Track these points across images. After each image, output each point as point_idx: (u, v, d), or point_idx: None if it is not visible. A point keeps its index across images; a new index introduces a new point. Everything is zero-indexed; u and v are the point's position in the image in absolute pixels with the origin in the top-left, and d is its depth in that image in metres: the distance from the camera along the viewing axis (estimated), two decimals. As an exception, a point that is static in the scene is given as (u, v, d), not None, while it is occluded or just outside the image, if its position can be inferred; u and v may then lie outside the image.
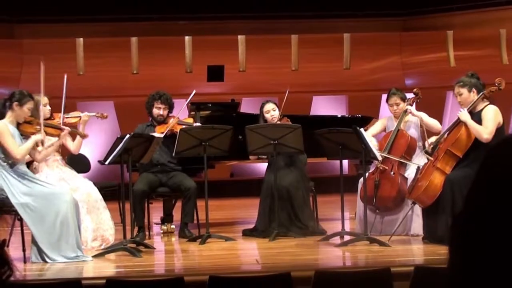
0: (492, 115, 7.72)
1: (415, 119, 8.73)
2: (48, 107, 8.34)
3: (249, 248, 8.54)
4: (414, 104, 8.99)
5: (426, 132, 8.54)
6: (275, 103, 9.15)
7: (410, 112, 8.62)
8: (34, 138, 7.65)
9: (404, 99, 8.81)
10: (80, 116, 8.43)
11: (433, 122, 8.66)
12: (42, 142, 7.83)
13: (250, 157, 9.33)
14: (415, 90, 9.06)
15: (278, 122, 8.92)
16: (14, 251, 7.63)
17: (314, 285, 5.73)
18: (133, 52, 15.26)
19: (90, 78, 14.87)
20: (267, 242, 8.41)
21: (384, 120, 9.17)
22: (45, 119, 8.01)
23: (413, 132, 8.76)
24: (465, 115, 7.74)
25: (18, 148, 7.45)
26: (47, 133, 7.92)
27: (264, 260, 7.59)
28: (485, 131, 7.60)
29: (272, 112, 9.03)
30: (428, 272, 5.65)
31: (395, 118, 8.87)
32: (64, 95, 8.25)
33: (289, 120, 9.04)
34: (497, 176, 1.42)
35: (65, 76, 8.36)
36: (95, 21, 16.16)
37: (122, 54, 15.16)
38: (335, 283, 5.82)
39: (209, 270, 6.58)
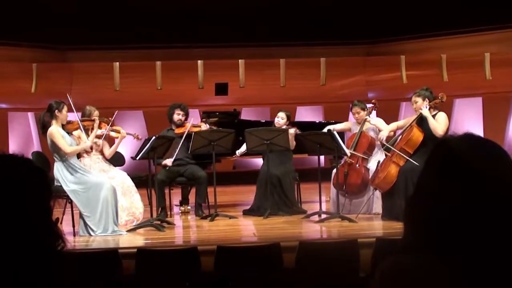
0: (444, 119, 7.85)
1: (374, 127, 8.75)
2: (97, 120, 8.34)
3: (248, 224, 8.53)
4: (373, 111, 9.01)
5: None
6: (287, 115, 9.12)
7: (368, 121, 8.67)
8: (83, 147, 7.89)
9: (363, 108, 8.83)
10: (120, 133, 8.50)
11: (384, 128, 8.65)
12: (92, 148, 8.13)
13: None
14: (373, 100, 9.16)
15: (284, 127, 8.94)
16: (65, 227, 7.63)
17: (298, 252, 5.73)
18: (158, 73, 15.24)
19: (124, 93, 14.85)
20: (261, 219, 8.41)
21: (350, 123, 9.20)
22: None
23: (372, 134, 8.78)
24: (427, 112, 7.81)
25: (69, 147, 7.49)
26: (85, 126, 8.12)
27: (259, 233, 7.59)
28: (440, 128, 7.69)
29: (278, 119, 9.06)
30: (386, 242, 5.65)
31: (358, 124, 8.89)
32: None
33: (297, 129, 8.99)
34: (440, 166, 1.43)
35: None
36: (128, 49, 16.14)
37: (149, 75, 15.14)
38: (314, 251, 5.81)
39: (217, 241, 6.56)
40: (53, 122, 7.53)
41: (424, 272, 1.37)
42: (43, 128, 7.68)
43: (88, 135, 8.12)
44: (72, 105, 8.00)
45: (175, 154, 8.84)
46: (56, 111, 7.50)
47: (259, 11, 16.92)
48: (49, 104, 7.66)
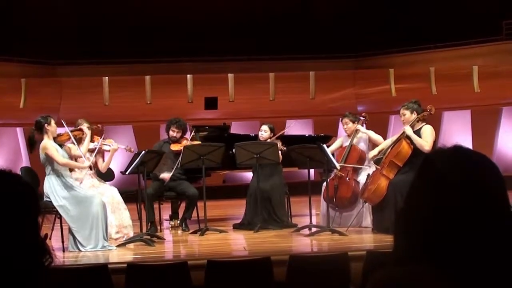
0: (429, 132, 7.80)
1: (365, 136, 8.77)
2: (87, 129, 8.30)
3: (238, 238, 8.50)
4: (364, 124, 9.03)
5: (373, 146, 8.61)
6: (270, 127, 9.12)
7: (359, 130, 8.70)
8: (80, 166, 7.91)
9: (353, 120, 8.84)
10: (112, 145, 8.45)
11: (377, 137, 8.69)
12: (91, 167, 8.10)
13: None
14: (363, 114, 9.20)
15: (268, 141, 8.95)
16: (55, 242, 7.58)
17: (289, 266, 5.71)
18: (147, 87, 15.25)
19: (114, 107, 14.86)
20: (252, 233, 8.39)
21: (341, 139, 9.18)
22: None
23: (363, 146, 8.79)
24: (410, 130, 7.80)
25: (62, 158, 7.51)
26: (76, 136, 8.07)
27: (250, 247, 7.56)
28: (427, 144, 7.66)
29: (262, 132, 9.08)
30: (377, 255, 5.64)
31: (348, 137, 8.91)
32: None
33: (282, 145, 8.96)
34: (428, 179, 1.43)
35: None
36: (117, 63, 16.16)
37: (138, 89, 15.16)
38: (305, 265, 5.79)
39: (207, 256, 6.53)
40: (45, 137, 7.51)
41: (415, 284, 1.37)
42: (32, 145, 7.65)
43: (79, 145, 8.09)
44: (63, 122, 8.00)
45: (173, 170, 8.82)
46: (46, 125, 7.48)
47: (248, 26, 16.99)
48: (36, 121, 7.56)
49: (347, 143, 8.86)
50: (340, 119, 9.08)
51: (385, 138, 8.86)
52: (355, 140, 8.79)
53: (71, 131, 8.08)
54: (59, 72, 16.24)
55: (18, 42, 15.74)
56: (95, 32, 16.85)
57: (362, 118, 8.99)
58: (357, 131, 8.77)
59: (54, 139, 7.63)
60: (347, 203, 8.61)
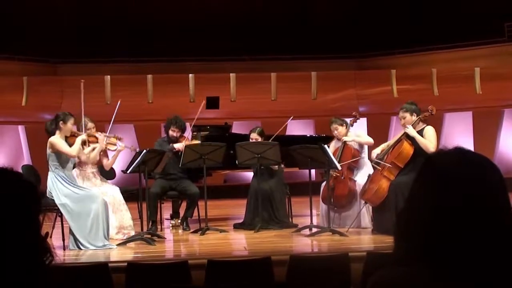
0: (432, 133, 7.80)
1: (356, 139, 8.76)
2: (104, 137, 8.38)
3: (238, 238, 8.50)
4: (354, 123, 8.99)
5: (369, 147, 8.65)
6: (259, 133, 9.12)
7: (346, 142, 8.67)
8: (80, 138, 7.77)
9: (341, 124, 8.84)
10: (116, 144, 8.44)
11: (367, 140, 8.70)
12: (85, 142, 7.99)
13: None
14: (353, 113, 9.18)
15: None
16: (55, 241, 7.57)
17: (289, 266, 5.71)
18: (149, 86, 15.25)
19: (116, 106, 14.84)
20: (252, 233, 8.39)
21: (333, 143, 9.10)
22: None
23: (355, 145, 8.79)
24: (412, 131, 7.78)
25: (71, 149, 7.54)
26: (89, 142, 8.13)
27: (250, 247, 7.56)
28: (431, 145, 7.65)
29: (252, 140, 9.04)
30: (377, 256, 5.64)
31: (338, 139, 8.91)
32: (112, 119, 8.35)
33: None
34: (429, 181, 1.44)
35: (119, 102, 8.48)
36: (119, 62, 16.17)
37: (140, 88, 15.15)
38: (305, 265, 5.80)
39: (207, 255, 6.53)
40: (57, 132, 7.57)
41: (416, 285, 1.37)
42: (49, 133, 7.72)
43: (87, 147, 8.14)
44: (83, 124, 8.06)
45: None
46: (61, 122, 7.55)
47: (249, 26, 16.99)
48: (56, 114, 7.76)
49: (339, 144, 8.85)
50: (330, 124, 9.03)
51: (385, 139, 8.85)
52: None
53: (88, 136, 8.09)
54: (60, 71, 16.26)
55: (18, 41, 15.76)
56: (95, 32, 16.86)
57: (352, 118, 8.95)
58: (345, 142, 8.72)
59: (67, 137, 7.65)
60: (345, 202, 8.61)
